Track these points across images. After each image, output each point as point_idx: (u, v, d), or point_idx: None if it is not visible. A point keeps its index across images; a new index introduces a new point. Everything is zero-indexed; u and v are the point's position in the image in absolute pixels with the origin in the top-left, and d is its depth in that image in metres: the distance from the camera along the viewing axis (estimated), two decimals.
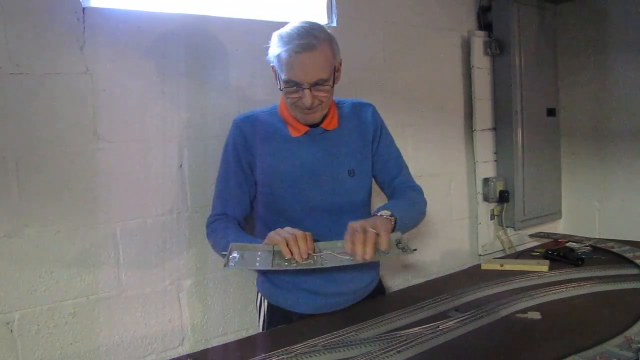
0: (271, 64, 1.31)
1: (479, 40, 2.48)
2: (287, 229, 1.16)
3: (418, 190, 1.49)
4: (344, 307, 1.40)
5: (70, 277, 1.42)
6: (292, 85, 1.25)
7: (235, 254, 1.12)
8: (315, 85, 1.24)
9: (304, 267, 1.13)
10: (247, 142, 1.36)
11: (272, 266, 1.11)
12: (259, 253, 1.13)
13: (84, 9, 1.42)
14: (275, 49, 1.25)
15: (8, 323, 1.33)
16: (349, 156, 1.40)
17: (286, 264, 1.12)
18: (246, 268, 1.11)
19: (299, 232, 1.13)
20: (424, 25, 2.30)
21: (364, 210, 1.43)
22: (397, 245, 1.17)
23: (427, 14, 2.31)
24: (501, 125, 2.56)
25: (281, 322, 1.39)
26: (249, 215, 1.45)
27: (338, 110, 1.42)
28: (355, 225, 1.13)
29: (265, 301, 1.46)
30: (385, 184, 1.49)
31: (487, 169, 2.57)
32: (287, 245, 1.11)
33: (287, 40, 1.22)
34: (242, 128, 1.37)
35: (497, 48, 2.48)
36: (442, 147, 2.41)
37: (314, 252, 1.15)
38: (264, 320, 1.47)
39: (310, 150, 1.36)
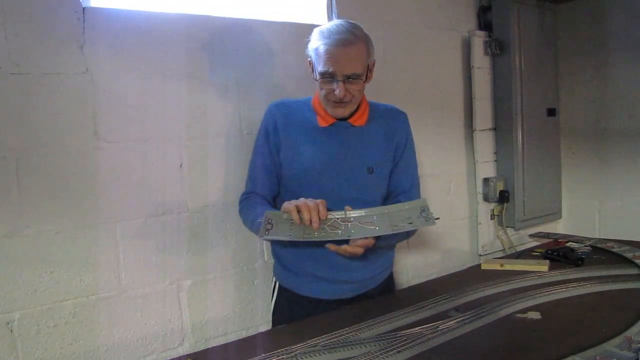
0: (308, 59, 1.38)
1: (479, 40, 2.48)
2: (302, 198, 1.22)
3: None
4: (353, 295, 1.45)
5: (70, 277, 1.42)
6: (327, 77, 1.31)
7: (269, 224, 1.15)
8: (348, 78, 1.31)
9: (333, 238, 1.15)
10: (276, 125, 1.43)
11: (302, 237, 1.14)
12: (291, 221, 1.16)
13: (84, 9, 1.42)
14: (315, 42, 1.33)
15: (8, 323, 1.33)
16: (370, 154, 1.44)
17: (316, 234, 1.15)
18: (280, 238, 1.15)
19: (311, 201, 1.20)
20: (424, 25, 2.30)
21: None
22: (420, 213, 1.18)
23: (427, 14, 2.31)
24: (501, 125, 2.56)
25: (289, 303, 1.47)
26: (278, 195, 1.49)
27: (370, 110, 1.47)
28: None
29: (277, 283, 1.53)
30: (392, 193, 1.51)
31: (487, 169, 2.57)
32: (299, 212, 1.18)
33: (327, 34, 1.31)
34: (273, 112, 1.46)
35: (497, 48, 2.48)
36: (442, 147, 2.41)
37: (340, 220, 1.18)
38: (275, 302, 1.54)
39: (334, 142, 1.42)
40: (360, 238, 1.21)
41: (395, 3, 2.19)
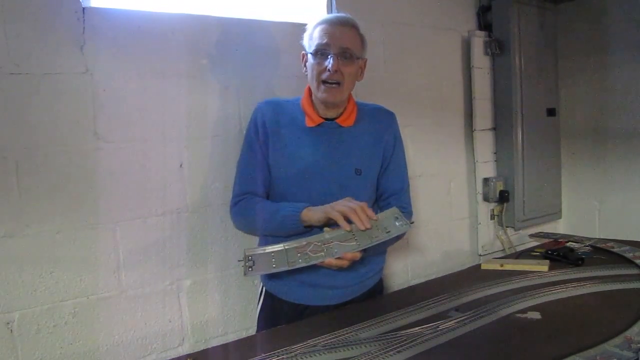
0: (302, 52, 1.40)
1: (479, 40, 2.47)
2: (342, 202, 1.23)
3: (408, 214, 1.49)
4: (339, 302, 1.42)
5: (70, 277, 1.42)
6: (321, 50, 1.33)
7: (250, 261, 1.15)
8: (342, 54, 1.32)
9: (317, 261, 1.14)
10: (265, 124, 1.43)
11: (288, 266, 1.13)
12: (272, 254, 1.16)
13: (84, 9, 1.42)
14: (310, 30, 1.39)
15: (8, 323, 1.33)
16: (358, 155, 1.42)
17: (300, 260, 1.14)
18: (265, 272, 1.14)
19: (353, 203, 1.21)
20: (424, 25, 2.30)
21: None
22: (395, 221, 1.19)
23: (427, 14, 2.31)
24: (501, 125, 2.56)
25: (274, 309, 1.45)
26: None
27: (358, 110, 1.46)
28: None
29: (264, 288, 1.51)
30: (382, 195, 1.51)
31: (487, 169, 2.57)
32: (346, 218, 1.19)
33: (324, 19, 1.36)
34: (262, 111, 1.45)
35: (497, 48, 2.48)
36: (442, 147, 2.40)
37: (320, 244, 1.18)
38: (261, 307, 1.51)
39: (321, 143, 1.40)
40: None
41: (395, 3, 2.19)
